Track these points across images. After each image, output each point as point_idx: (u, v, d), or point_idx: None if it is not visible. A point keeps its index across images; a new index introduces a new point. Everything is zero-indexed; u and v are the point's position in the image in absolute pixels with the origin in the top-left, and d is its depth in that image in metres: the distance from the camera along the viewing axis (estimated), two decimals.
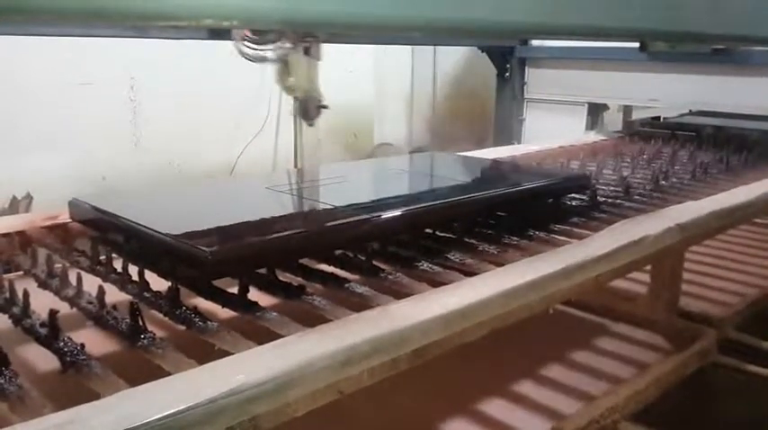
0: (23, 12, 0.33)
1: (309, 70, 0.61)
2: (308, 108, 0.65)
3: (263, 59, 0.56)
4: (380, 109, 2.87)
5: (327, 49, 2.50)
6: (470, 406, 0.73)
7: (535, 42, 2.18)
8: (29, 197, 1.86)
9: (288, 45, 0.55)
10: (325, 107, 0.66)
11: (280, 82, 0.60)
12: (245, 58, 0.55)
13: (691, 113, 2.14)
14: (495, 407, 0.73)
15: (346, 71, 2.55)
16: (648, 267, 0.93)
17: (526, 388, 0.77)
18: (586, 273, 0.74)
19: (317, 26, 0.49)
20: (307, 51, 0.59)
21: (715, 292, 1.04)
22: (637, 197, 1.08)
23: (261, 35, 0.52)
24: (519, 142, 2.14)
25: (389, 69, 2.92)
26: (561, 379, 0.79)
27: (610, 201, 1.04)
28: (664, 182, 1.19)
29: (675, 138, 1.76)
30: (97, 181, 2.00)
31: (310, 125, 0.67)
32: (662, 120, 2.17)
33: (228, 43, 2.03)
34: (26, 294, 0.62)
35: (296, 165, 2.49)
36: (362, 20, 0.46)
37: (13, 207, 1.82)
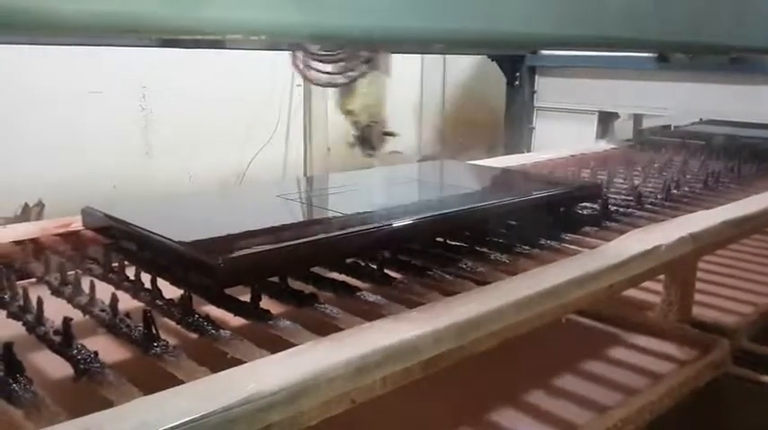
0: (59, 27, 0.33)
1: (377, 90, 0.58)
2: (372, 135, 0.61)
3: (333, 84, 0.52)
4: (390, 117, 2.87)
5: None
6: (482, 415, 0.73)
7: (545, 51, 2.18)
8: (41, 204, 1.87)
9: (361, 65, 0.52)
10: (391, 134, 0.63)
11: (341, 106, 0.57)
12: (311, 81, 0.52)
13: (701, 122, 2.14)
14: (507, 417, 0.73)
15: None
16: (661, 277, 0.92)
17: (538, 397, 0.76)
18: (599, 282, 0.74)
19: (347, 40, 0.49)
20: (373, 65, 0.55)
21: (728, 302, 1.03)
22: (648, 206, 1.08)
23: (329, 53, 0.49)
24: (529, 151, 2.14)
25: (399, 77, 2.93)
26: (573, 389, 0.78)
27: (621, 210, 1.04)
28: (675, 191, 1.19)
29: (686, 147, 1.75)
30: (108, 189, 2.01)
31: (370, 156, 0.64)
32: (672, 128, 2.16)
33: (234, 52, 2.05)
34: (40, 302, 0.62)
35: (305, 173, 2.50)
36: (392, 33, 0.46)
37: (26, 214, 1.83)
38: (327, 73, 0.53)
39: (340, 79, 0.53)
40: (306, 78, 0.54)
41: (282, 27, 0.42)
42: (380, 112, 0.60)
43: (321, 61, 0.53)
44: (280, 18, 0.41)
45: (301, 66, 0.54)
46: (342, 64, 0.54)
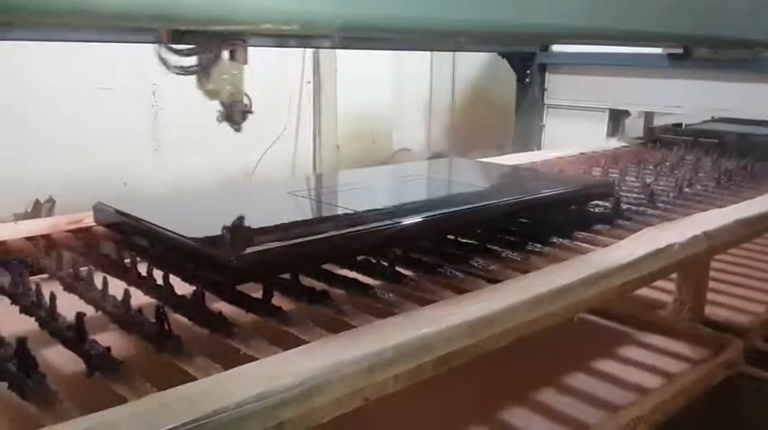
0: (99, 16, 0.34)
1: (234, 74, 0.61)
2: (233, 113, 0.65)
3: (185, 71, 0.54)
4: (399, 114, 2.86)
5: (344, 55, 2.51)
6: (493, 413, 0.72)
7: (555, 48, 2.17)
8: (51, 201, 1.87)
9: (209, 54, 0.55)
10: (249, 112, 0.66)
11: (200, 86, 0.59)
12: (166, 67, 0.53)
13: (713, 120, 2.12)
14: (518, 416, 0.73)
15: (365, 77, 2.55)
16: (674, 275, 0.92)
17: (550, 396, 0.76)
18: (611, 280, 0.73)
19: (375, 30, 0.49)
20: (232, 56, 0.59)
21: (741, 301, 1.03)
22: (660, 204, 1.07)
23: (180, 42, 0.51)
24: (539, 148, 2.13)
25: (408, 74, 2.92)
26: (585, 388, 0.78)
27: (633, 208, 1.03)
28: (688, 189, 1.18)
29: (698, 145, 1.74)
30: (118, 185, 2.01)
31: (237, 130, 0.66)
32: (683, 126, 2.15)
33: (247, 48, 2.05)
34: (53, 297, 0.63)
35: (314, 170, 2.49)
36: (419, 24, 0.46)
37: (36, 210, 1.83)
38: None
39: (192, 67, 0.57)
40: (161, 61, 0.58)
41: (313, 18, 0.41)
42: (238, 94, 0.64)
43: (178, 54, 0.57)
44: (311, 9, 0.41)
45: (163, 55, 0.57)
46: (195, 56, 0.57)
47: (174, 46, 0.54)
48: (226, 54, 0.61)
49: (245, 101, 0.71)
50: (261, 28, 0.39)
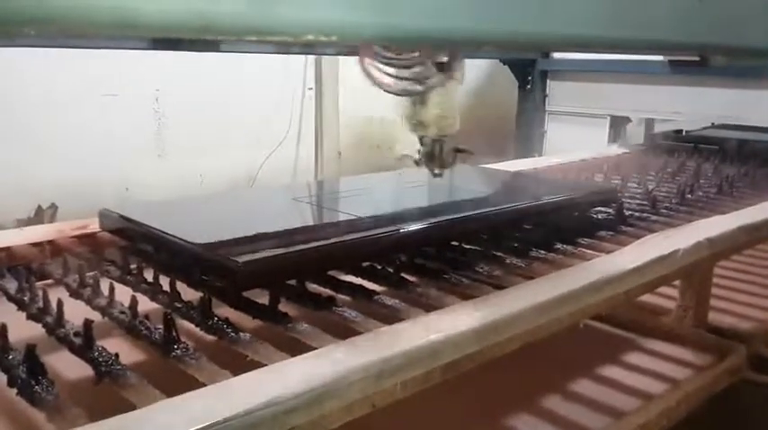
0: (140, 27, 0.34)
1: (450, 100, 0.52)
2: (442, 152, 0.55)
3: (408, 93, 0.47)
4: (402, 119, 2.87)
5: (346, 61, 2.51)
6: (499, 420, 0.73)
7: (557, 54, 2.18)
8: (54, 207, 1.88)
9: (436, 71, 0.47)
10: (465, 151, 0.57)
11: (409, 118, 0.51)
12: (384, 88, 0.46)
13: (713, 126, 2.13)
14: (524, 422, 0.73)
15: (367, 83, 2.56)
16: (677, 282, 0.92)
17: (555, 402, 0.76)
18: (617, 287, 0.73)
19: (411, 42, 0.48)
20: (448, 72, 0.50)
21: (744, 308, 1.03)
22: (663, 211, 1.07)
23: (401, 57, 0.45)
24: (540, 155, 2.13)
25: None
26: (590, 394, 0.78)
27: (636, 214, 1.03)
28: (690, 195, 1.18)
29: (698, 151, 1.75)
30: (121, 191, 2.01)
31: (437, 176, 0.57)
32: (684, 133, 2.15)
33: (245, 55, 2.06)
34: (60, 304, 0.63)
35: (316, 177, 2.50)
36: (453, 34, 0.46)
37: (39, 216, 1.84)
38: (405, 78, 0.49)
39: (416, 87, 0.49)
40: (378, 85, 0.50)
41: (354, 28, 0.41)
42: (453, 126, 0.54)
43: (393, 66, 0.49)
44: (352, 19, 0.41)
45: (374, 72, 0.50)
46: (415, 69, 0.50)
47: (388, 55, 0.46)
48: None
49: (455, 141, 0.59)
50: (301, 39, 0.39)
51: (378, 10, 0.42)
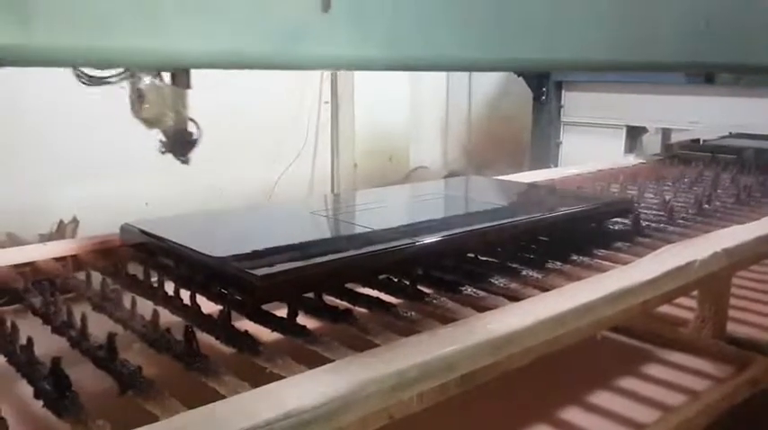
0: (182, 63, 0.38)
1: (176, 100, 0.60)
2: (177, 143, 0.63)
3: (100, 82, 0.54)
4: (416, 132, 2.88)
5: (361, 74, 2.54)
6: None
7: None
8: (75, 221, 1.90)
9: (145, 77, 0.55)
10: (194, 142, 0.65)
11: (135, 113, 0.59)
12: (80, 80, 0.53)
13: (731, 136, 2.11)
14: None
15: (382, 96, 2.58)
16: (695, 293, 0.91)
17: (573, 415, 0.76)
18: (634, 298, 0.73)
19: (418, 68, 0.52)
20: (174, 80, 0.58)
21: (763, 318, 1.02)
22: (680, 221, 1.07)
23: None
24: (555, 166, 2.13)
25: (425, 92, 2.95)
26: (609, 406, 0.78)
27: (653, 225, 1.03)
28: (707, 206, 1.18)
29: (716, 160, 1.74)
30: (140, 206, 2.04)
31: (183, 162, 0.65)
32: (701, 142, 2.14)
33: (263, 72, 2.08)
34: (84, 318, 0.64)
35: (332, 189, 2.52)
36: (456, 62, 0.48)
37: (60, 231, 1.86)
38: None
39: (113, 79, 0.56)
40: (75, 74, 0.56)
41: (364, 61, 0.44)
42: (182, 120, 0.62)
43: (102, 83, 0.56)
44: (362, 54, 0.43)
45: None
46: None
47: (99, 73, 0.54)
48: (167, 78, 0.60)
49: (192, 129, 0.68)
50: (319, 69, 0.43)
51: (388, 45, 0.45)
